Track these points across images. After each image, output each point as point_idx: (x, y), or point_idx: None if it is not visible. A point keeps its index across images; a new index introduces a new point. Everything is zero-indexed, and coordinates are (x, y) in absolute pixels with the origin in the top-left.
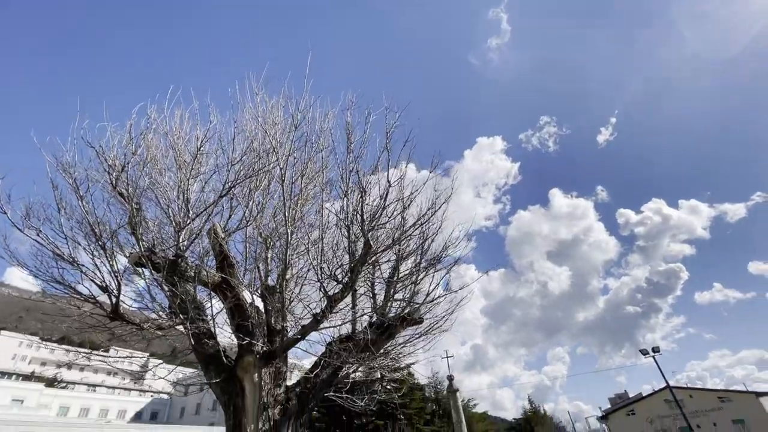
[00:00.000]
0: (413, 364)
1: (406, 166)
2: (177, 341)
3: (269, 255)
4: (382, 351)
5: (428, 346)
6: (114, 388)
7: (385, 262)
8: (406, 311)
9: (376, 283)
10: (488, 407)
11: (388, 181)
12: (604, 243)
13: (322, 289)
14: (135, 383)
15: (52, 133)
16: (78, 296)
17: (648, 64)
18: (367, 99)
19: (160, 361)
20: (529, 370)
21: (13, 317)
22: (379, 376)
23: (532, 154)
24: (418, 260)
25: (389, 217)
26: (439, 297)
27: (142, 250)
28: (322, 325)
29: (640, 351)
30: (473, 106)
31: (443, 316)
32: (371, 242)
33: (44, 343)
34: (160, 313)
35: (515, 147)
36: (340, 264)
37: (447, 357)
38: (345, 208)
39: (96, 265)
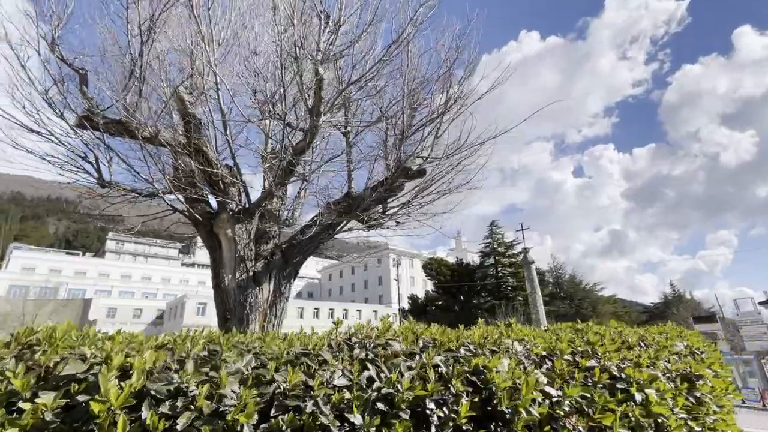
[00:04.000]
0: (431, 217)
1: None
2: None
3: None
4: (393, 208)
5: (459, 207)
6: None
7: (397, 114)
8: (406, 163)
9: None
10: (625, 292)
11: None
12: None
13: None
14: None
15: None
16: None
17: None
18: None
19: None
20: (680, 255)
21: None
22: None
23: None
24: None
25: (352, 43)
26: (456, 149)
27: (80, 112)
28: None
29: None
30: None
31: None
32: (322, 74)
33: None
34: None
35: None
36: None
37: (522, 229)
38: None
39: (66, 133)
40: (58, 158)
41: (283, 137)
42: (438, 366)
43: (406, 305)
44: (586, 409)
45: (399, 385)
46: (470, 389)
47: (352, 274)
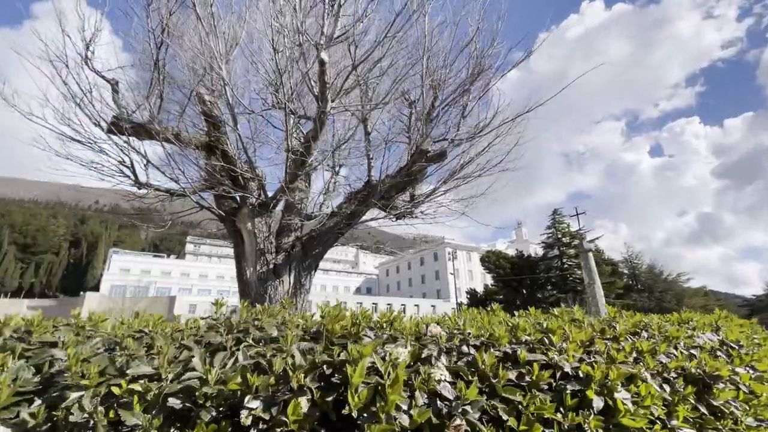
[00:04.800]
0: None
1: None
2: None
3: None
4: (422, 197)
5: (491, 191)
6: (338, 271)
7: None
8: (423, 146)
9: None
10: (720, 283)
11: None
12: None
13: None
14: (353, 268)
15: None
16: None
17: None
18: None
19: (367, 251)
20: None
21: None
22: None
23: None
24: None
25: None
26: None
27: (109, 119)
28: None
29: None
30: None
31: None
32: (324, 56)
33: None
34: (182, 181)
35: None
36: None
37: (577, 214)
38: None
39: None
40: (100, 164)
41: (286, 127)
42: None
43: (464, 300)
44: (506, 418)
45: None
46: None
47: (408, 269)
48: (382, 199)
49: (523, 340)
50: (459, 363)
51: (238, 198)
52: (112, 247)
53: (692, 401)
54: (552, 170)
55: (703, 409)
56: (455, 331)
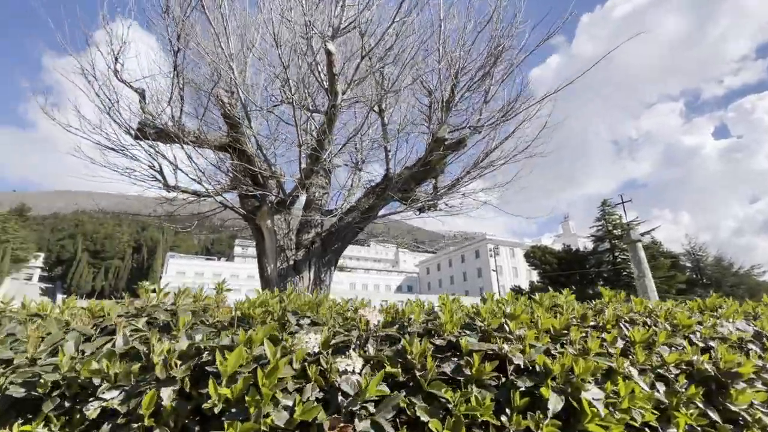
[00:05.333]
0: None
1: None
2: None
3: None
4: (445, 188)
5: (516, 178)
6: (379, 270)
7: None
8: (439, 133)
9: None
10: None
11: None
12: None
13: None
14: (393, 266)
15: None
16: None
17: None
18: None
19: (406, 250)
20: None
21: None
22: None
23: None
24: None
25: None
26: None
27: (135, 126)
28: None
29: None
30: None
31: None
32: (331, 49)
33: None
34: (206, 183)
35: None
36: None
37: (623, 202)
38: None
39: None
40: (133, 170)
41: (296, 122)
42: None
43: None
44: (426, 419)
45: None
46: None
47: (449, 267)
48: (400, 192)
49: (478, 326)
50: (384, 353)
51: (258, 196)
52: (168, 251)
53: (700, 404)
54: (601, 159)
55: (714, 416)
56: (398, 318)
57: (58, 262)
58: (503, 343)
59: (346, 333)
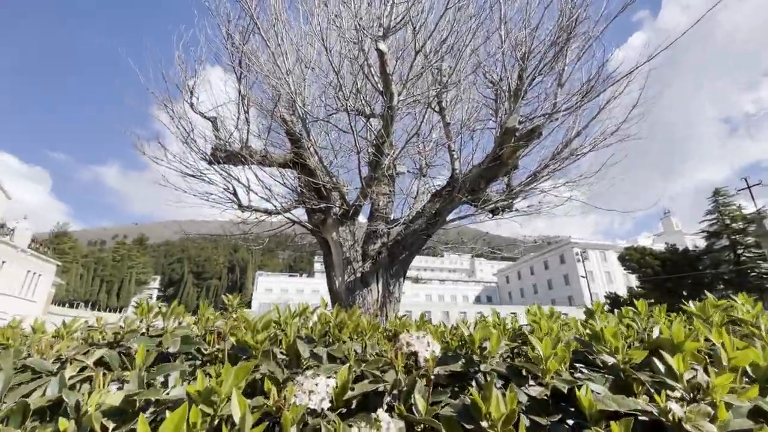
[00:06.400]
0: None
1: None
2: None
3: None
4: (518, 187)
5: (605, 167)
6: (455, 281)
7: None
8: (508, 123)
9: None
10: None
11: None
12: None
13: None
14: (469, 276)
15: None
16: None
17: None
18: None
19: (482, 258)
20: None
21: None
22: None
23: None
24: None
25: None
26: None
27: (208, 152)
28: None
29: None
30: None
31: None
32: (383, 48)
33: None
34: (274, 200)
35: None
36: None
37: (749, 187)
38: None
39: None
40: (210, 194)
41: (351, 128)
42: None
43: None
44: None
45: None
46: None
47: (531, 275)
48: (469, 193)
49: (602, 360)
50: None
51: (323, 209)
52: (257, 270)
53: None
54: (708, 141)
55: None
56: (464, 345)
57: (170, 284)
58: (665, 399)
59: (375, 375)
